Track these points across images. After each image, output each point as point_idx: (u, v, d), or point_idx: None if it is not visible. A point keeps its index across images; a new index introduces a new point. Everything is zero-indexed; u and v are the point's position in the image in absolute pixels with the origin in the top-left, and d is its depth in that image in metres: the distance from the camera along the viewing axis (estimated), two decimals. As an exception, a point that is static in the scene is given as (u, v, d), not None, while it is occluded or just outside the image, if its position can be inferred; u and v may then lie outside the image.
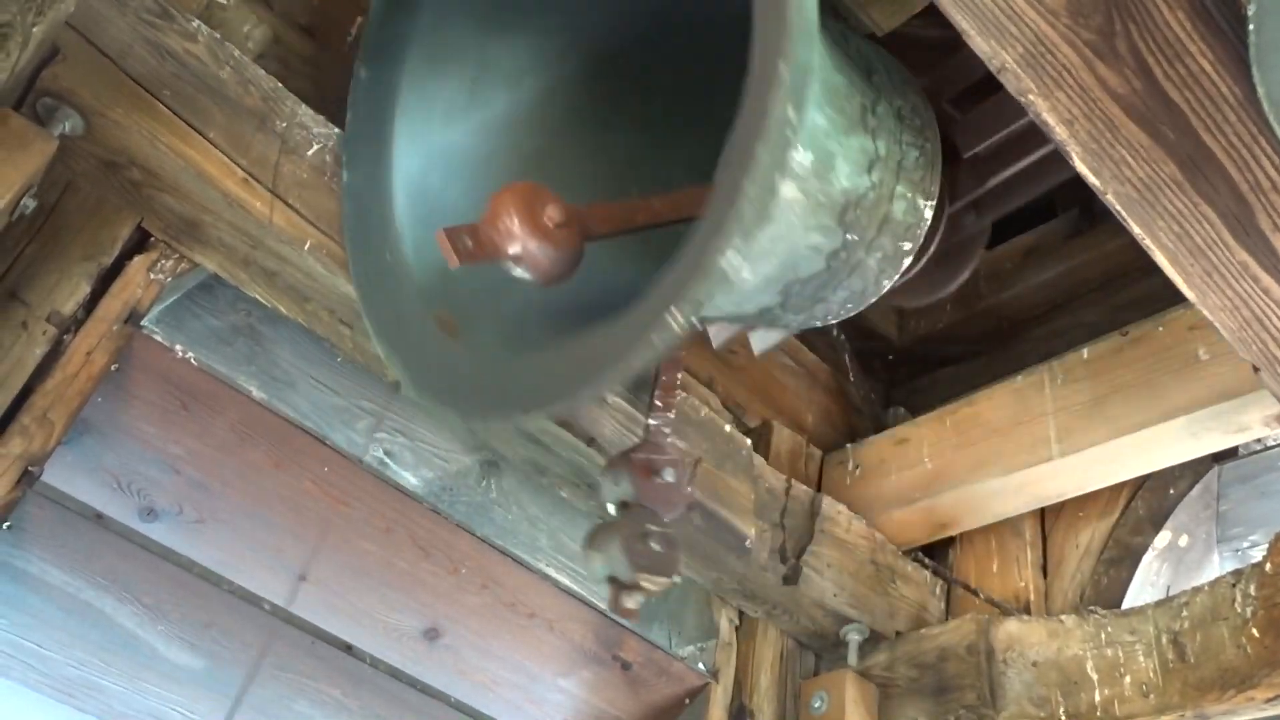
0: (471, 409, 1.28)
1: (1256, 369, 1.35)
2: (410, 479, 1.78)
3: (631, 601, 1.26)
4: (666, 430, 1.39)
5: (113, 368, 1.47)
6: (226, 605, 1.53)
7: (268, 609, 1.57)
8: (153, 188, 1.47)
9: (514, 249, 1.16)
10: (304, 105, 1.58)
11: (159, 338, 1.55)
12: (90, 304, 1.44)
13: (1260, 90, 1.02)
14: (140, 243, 1.52)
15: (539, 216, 1.16)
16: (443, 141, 1.57)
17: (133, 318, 1.48)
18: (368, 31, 1.63)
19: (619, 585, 1.26)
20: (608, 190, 1.69)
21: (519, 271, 1.20)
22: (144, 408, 1.51)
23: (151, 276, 1.51)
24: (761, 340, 1.86)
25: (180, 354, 1.56)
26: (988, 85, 1.45)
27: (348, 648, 1.65)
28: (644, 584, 1.25)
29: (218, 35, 1.52)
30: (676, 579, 1.29)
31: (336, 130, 1.60)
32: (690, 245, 1.02)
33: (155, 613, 1.47)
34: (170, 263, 1.54)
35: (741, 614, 2.08)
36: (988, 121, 1.79)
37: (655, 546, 1.25)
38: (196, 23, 1.50)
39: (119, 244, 1.49)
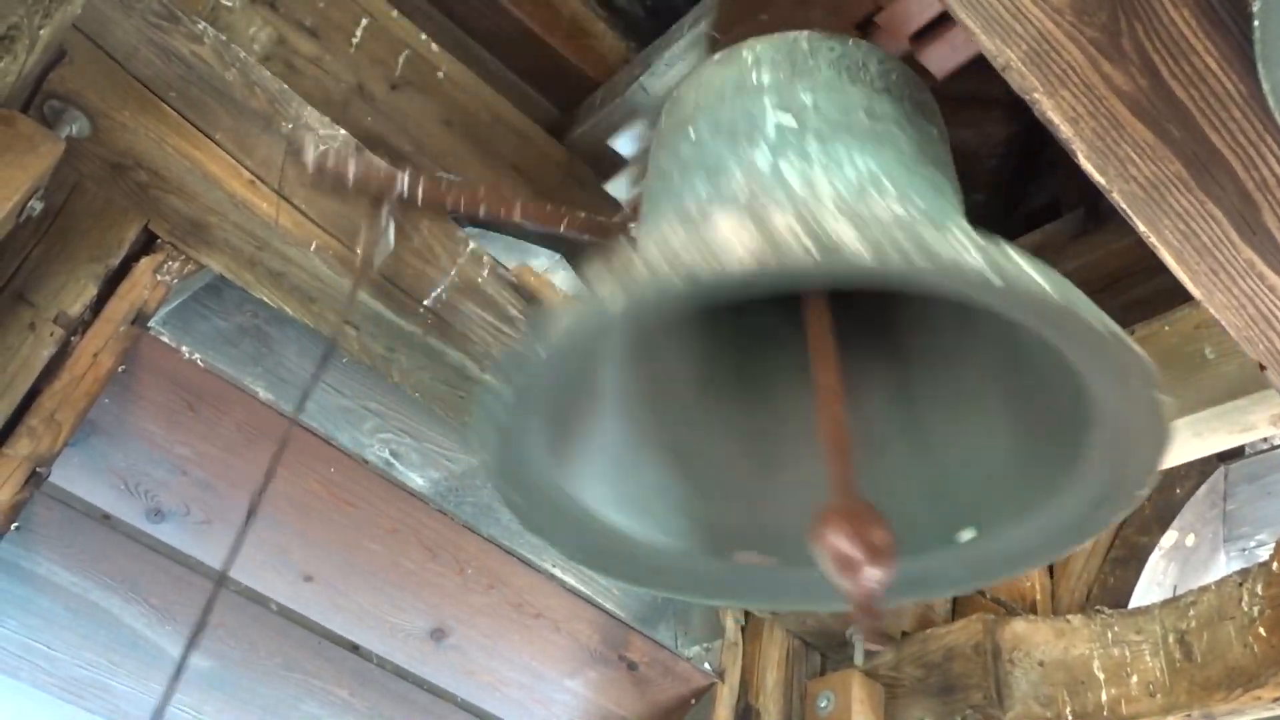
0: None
1: (1263, 367, 1.35)
2: (416, 479, 1.79)
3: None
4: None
5: (120, 369, 1.47)
6: (233, 606, 1.53)
7: (274, 609, 1.57)
8: (159, 189, 1.48)
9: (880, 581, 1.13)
10: (309, 107, 1.58)
11: (166, 339, 1.56)
12: (97, 305, 1.45)
13: (1266, 87, 1.01)
14: (147, 244, 1.52)
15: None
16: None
17: (139, 319, 1.49)
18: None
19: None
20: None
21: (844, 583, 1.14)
22: (151, 409, 1.52)
23: (158, 278, 1.52)
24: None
25: (187, 355, 1.56)
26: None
27: (354, 648, 1.65)
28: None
29: (223, 37, 1.52)
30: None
31: (342, 131, 1.60)
32: None
33: (163, 613, 1.48)
34: (177, 264, 1.54)
35: (747, 614, 2.08)
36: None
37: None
38: (202, 25, 1.50)
39: (125, 245, 1.49)
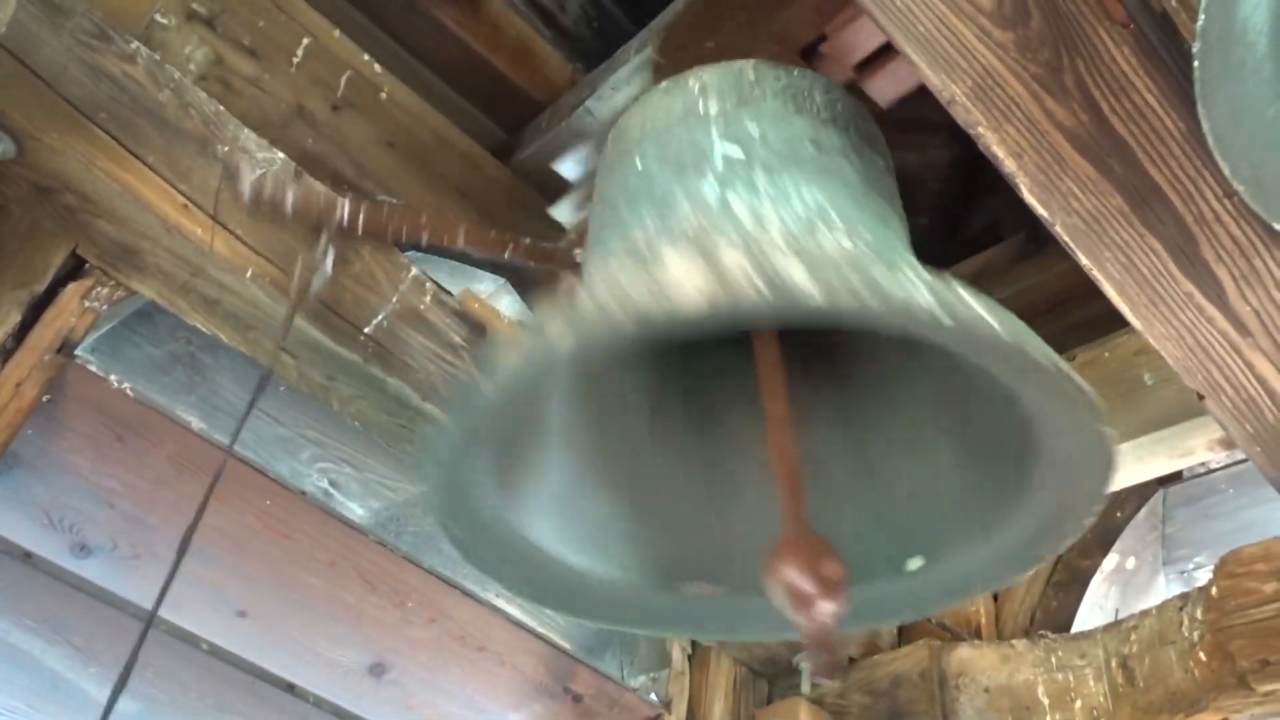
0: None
1: (1201, 397, 1.37)
2: (356, 510, 1.75)
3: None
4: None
5: (44, 399, 1.42)
6: (162, 645, 1.48)
7: (205, 649, 1.52)
8: (88, 213, 1.43)
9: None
10: (247, 129, 1.55)
11: (94, 368, 1.51)
12: (20, 333, 1.40)
13: (1205, 125, 1.03)
14: (74, 270, 1.48)
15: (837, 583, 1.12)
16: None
17: (65, 347, 1.44)
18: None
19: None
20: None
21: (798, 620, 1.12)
22: (77, 440, 1.46)
23: (86, 304, 1.47)
24: None
25: (116, 384, 1.51)
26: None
27: (290, 687, 1.60)
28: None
29: (157, 57, 1.48)
30: None
31: (280, 154, 1.57)
32: None
33: (87, 654, 1.42)
34: (106, 290, 1.49)
35: (694, 643, 2.07)
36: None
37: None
38: (135, 44, 1.46)
39: (51, 271, 1.45)
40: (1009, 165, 1.18)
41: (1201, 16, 0.94)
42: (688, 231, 1.16)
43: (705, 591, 1.34)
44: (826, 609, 1.04)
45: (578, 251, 1.69)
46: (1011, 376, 1.02)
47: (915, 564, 1.30)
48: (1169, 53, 1.10)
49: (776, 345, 1.26)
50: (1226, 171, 1.06)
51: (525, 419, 1.19)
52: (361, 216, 1.51)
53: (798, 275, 0.86)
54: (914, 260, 1.15)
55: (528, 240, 1.68)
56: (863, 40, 1.44)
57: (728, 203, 1.19)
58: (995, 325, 0.90)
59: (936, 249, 2.18)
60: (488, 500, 1.17)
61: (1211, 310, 1.27)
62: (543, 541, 1.25)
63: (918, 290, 0.88)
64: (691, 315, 0.86)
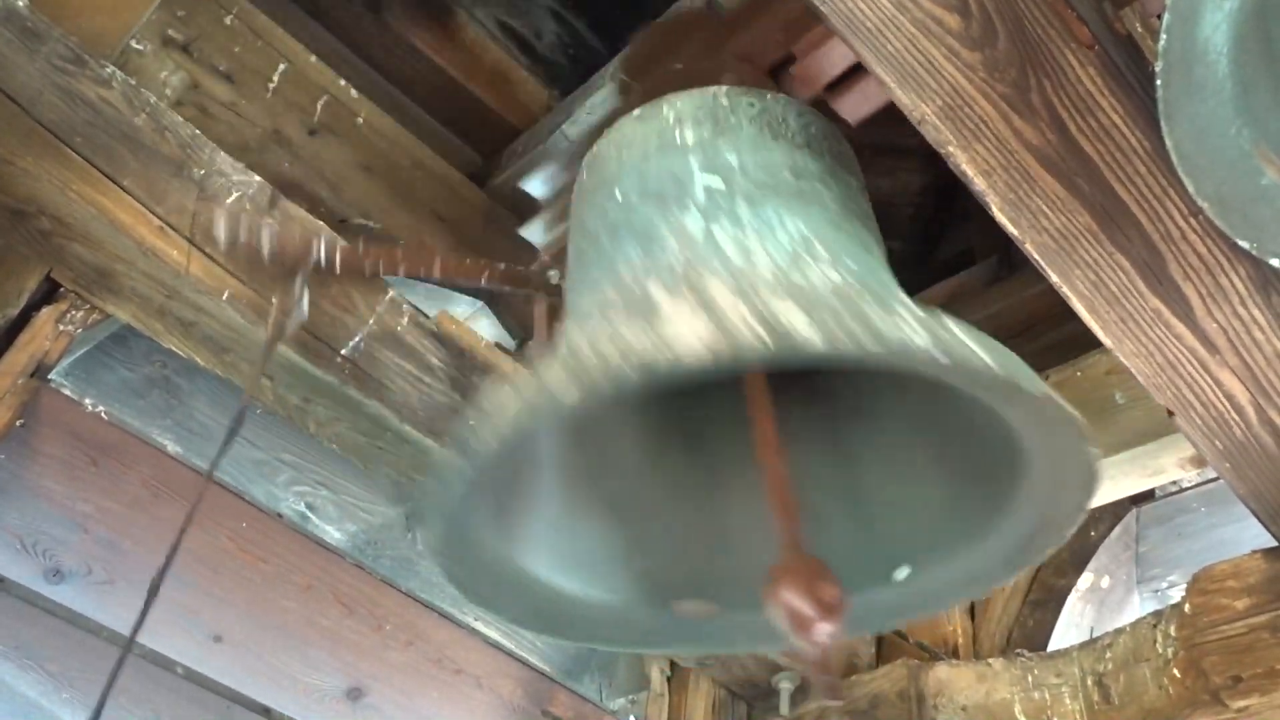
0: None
1: (1171, 413, 1.38)
2: (333, 533, 1.74)
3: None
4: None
5: (18, 423, 1.41)
6: (137, 670, 1.46)
7: (180, 673, 1.50)
8: (62, 237, 1.43)
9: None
10: (223, 152, 1.55)
11: (68, 391, 1.50)
12: (-6, 357, 1.39)
13: (1169, 143, 1.05)
14: (49, 293, 1.47)
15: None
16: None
17: (39, 371, 1.43)
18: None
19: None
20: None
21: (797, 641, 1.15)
22: (50, 464, 1.45)
23: (60, 328, 1.46)
24: None
25: (90, 408, 1.51)
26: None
27: (265, 711, 1.58)
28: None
29: (133, 81, 1.48)
30: None
31: (256, 178, 1.57)
32: None
33: (60, 680, 1.40)
34: (81, 313, 1.49)
35: (673, 664, 2.06)
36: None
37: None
38: (111, 69, 1.46)
39: (25, 295, 1.44)
40: (979, 184, 1.20)
41: (1163, 37, 0.96)
42: (675, 268, 1.17)
43: (699, 611, 1.34)
44: (825, 630, 1.05)
45: (552, 274, 1.69)
46: (999, 403, 1.04)
47: (902, 574, 1.31)
48: (1133, 73, 1.12)
49: (765, 379, 1.27)
50: (1191, 189, 1.08)
51: (521, 460, 1.20)
52: (338, 256, 1.51)
53: (797, 322, 0.87)
54: (902, 294, 1.17)
55: (502, 265, 1.69)
56: (834, 61, 1.46)
57: (714, 236, 1.20)
58: (989, 361, 0.92)
59: (910, 273, 2.19)
60: (487, 539, 1.18)
61: (1180, 327, 1.29)
62: (538, 571, 1.25)
63: (914, 331, 0.90)
64: (695, 366, 0.87)
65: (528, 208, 1.94)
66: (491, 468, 1.07)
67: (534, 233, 1.87)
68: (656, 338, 0.89)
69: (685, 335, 0.88)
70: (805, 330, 0.87)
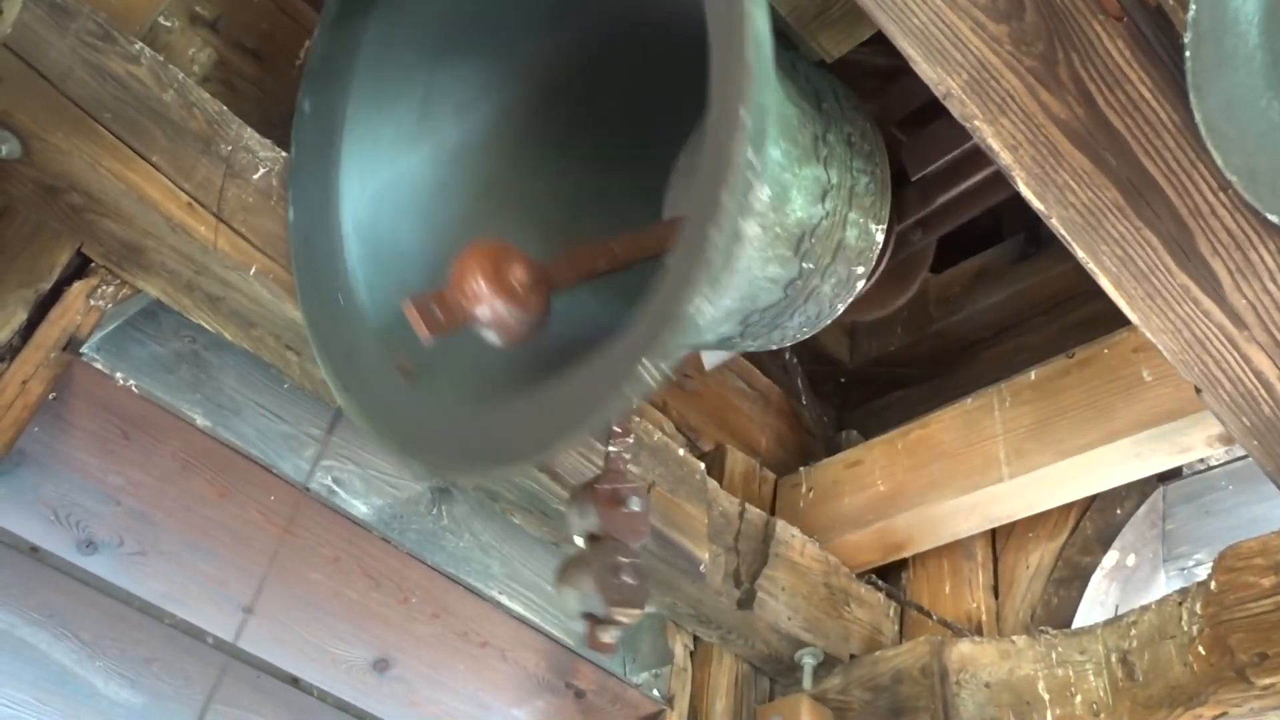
0: (442, 461, 1.25)
1: (1198, 390, 1.37)
2: (360, 507, 1.76)
3: (608, 636, 1.23)
4: (626, 456, 1.37)
5: (50, 396, 1.44)
6: (168, 640, 1.48)
7: (211, 643, 1.53)
8: (93, 212, 1.44)
9: (483, 314, 1.14)
10: (250, 128, 1.56)
11: (99, 365, 1.52)
12: (27, 331, 1.41)
13: (1198, 116, 1.04)
14: (80, 268, 1.49)
15: (506, 278, 1.14)
16: (391, 175, 1.54)
17: (71, 345, 1.45)
18: (310, 63, 1.60)
19: (595, 620, 1.24)
20: (559, 218, 1.67)
21: (488, 335, 1.18)
22: (83, 437, 1.48)
23: (91, 303, 1.48)
24: (712, 358, 1.87)
25: (121, 382, 1.52)
26: (934, 110, 1.46)
27: (294, 681, 1.61)
28: (619, 618, 1.22)
29: (161, 58, 1.49)
30: (649, 609, 1.28)
31: (283, 154, 1.58)
32: (659, 295, 0.99)
33: (93, 649, 1.43)
34: (111, 289, 1.51)
35: (696, 639, 2.07)
36: (934, 145, 1.81)
37: (627, 579, 1.23)
38: (139, 45, 1.47)
39: (57, 270, 1.46)
40: (1005, 158, 1.19)
41: (1193, 7, 0.95)
42: None
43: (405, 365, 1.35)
44: (502, 308, 1.13)
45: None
46: None
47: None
48: (1162, 45, 1.11)
49: None
50: (1220, 162, 1.07)
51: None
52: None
53: None
54: None
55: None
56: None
57: None
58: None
59: (937, 250, 2.19)
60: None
61: (1208, 303, 1.27)
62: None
63: None
64: None
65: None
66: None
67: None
68: None
69: None
70: None
